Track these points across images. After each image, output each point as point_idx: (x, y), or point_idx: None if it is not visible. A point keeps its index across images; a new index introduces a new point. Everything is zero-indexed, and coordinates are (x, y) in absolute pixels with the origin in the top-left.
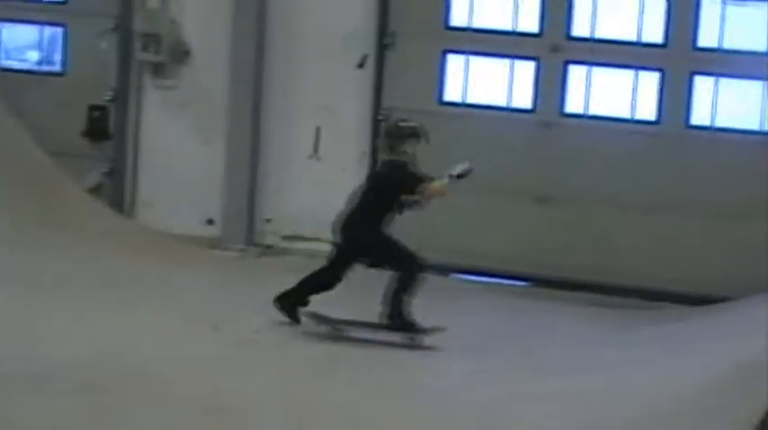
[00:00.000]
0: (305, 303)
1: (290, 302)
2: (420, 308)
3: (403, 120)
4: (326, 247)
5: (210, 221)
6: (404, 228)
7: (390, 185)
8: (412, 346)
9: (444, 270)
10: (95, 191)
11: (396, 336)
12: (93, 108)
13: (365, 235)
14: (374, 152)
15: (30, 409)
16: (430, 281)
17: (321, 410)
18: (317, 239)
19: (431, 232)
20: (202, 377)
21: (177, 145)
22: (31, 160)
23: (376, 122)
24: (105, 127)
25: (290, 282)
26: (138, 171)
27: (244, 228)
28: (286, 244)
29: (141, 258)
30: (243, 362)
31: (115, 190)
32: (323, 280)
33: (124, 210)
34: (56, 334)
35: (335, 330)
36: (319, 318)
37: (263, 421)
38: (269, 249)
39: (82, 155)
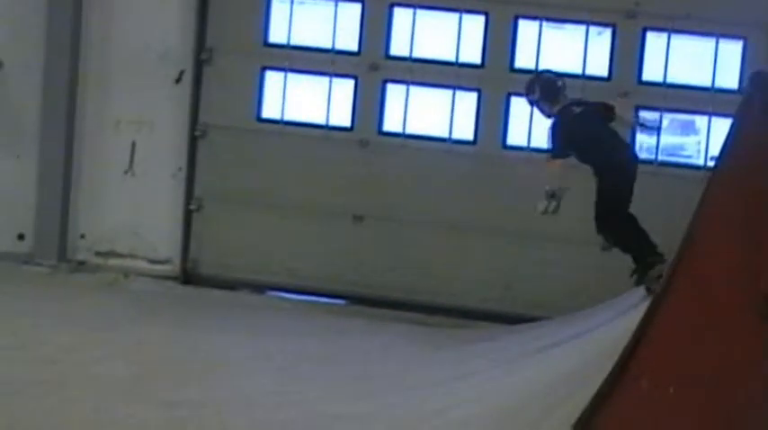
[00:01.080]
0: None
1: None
2: (232, 325)
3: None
4: (142, 264)
5: (22, 236)
6: (219, 245)
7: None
8: None
9: (260, 288)
10: None
11: None
12: None
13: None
14: (190, 167)
15: None
16: (244, 298)
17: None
18: (132, 256)
19: (246, 250)
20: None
21: None
22: None
23: (193, 138)
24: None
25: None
26: None
27: (56, 243)
28: (99, 260)
29: None
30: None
31: None
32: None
33: None
34: None
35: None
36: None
37: None
38: (81, 265)
39: None
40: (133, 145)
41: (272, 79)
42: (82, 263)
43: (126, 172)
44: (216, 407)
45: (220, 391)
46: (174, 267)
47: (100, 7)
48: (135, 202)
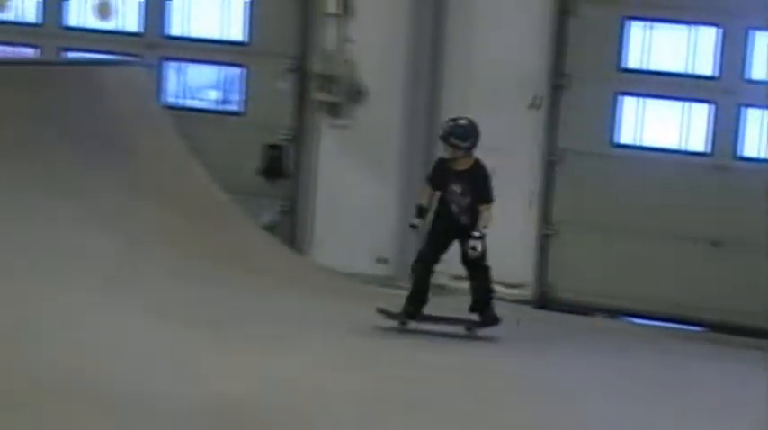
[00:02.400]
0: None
1: None
2: (586, 349)
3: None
4: (497, 288)
5: (382, 260)
6: (574, 270)
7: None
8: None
9: (614, 313)
10: (270, 228)
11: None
12: (269, 147)
13: None
14: (545, 192)
15: None
16: (599, 323)
17: None
18: None
19: (601, 274)
20: (351, 410)
21: (351, 184)
22: (208, 198)
23: (548, 163)
24: (281, 166)
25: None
26: (313, 209)
27: None
28: (457, 283)
29: (313, 296)
30: (403, 400)
31: (290, 228)
32: None
33: (297, 247)
34: (219, 369)
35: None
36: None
37: None
38: (440, 289)
39: (258, 193)
40: (489, 170)
41: (628, 104)
42: (440, 286)
43: None
44: None
45: (571, 416)
46: (528, 291)
47: (459, 36)
48: (491, 227)
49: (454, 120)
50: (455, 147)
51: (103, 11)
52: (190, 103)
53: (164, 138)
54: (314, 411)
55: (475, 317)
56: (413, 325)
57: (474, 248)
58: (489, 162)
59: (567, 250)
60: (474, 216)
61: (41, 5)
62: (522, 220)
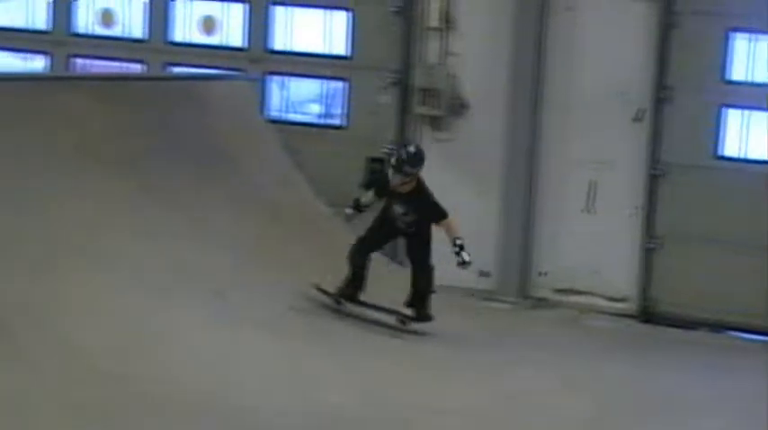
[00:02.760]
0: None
1: None
2: (690, 364)
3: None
4: (600, 301)
5: (485, 273)
6: (678, 284)
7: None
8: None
9: (719, 327)
10: None
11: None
12: (371, 160)
13: None
14: (648, 206)
15: None
16: (703, 338)
17: None
18: (590, 293)
19: (705, 288)
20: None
21: (453, 197)
22: (312, 211)
23: (651, 177)
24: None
25: (561, 334)
26: None
27: (517, 280)
28: (559, 297)
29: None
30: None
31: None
32: None
33: (399, 259)
34: (333, 382)
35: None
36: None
37: None
38: (541, 302)
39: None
40: (592, 183)
41: (732, 116)
42: (542, 299)
43: (584, 210)
44: None
45: None
46: (631, 305)
47: (561, 49)
48: (594, 241)
49: (404, 147)
50: (407, 174)
51: (208, 26)
52: (293, 117)
53: (268, 152)
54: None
55: (410, 312)
56: (348, 307)
57: (464, 262)
58: (592, 175)
59: (670, 264)
60: (420, 226)
61: (147, 21)
62: (625, 234)
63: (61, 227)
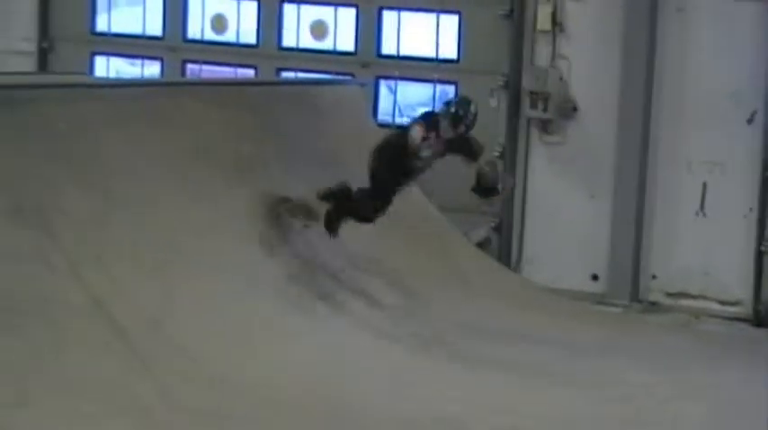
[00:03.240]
0: None
1: None
2: None
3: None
4: (713, 305)
5: (595, 277)
6: None
7: None
8: None
9: None
10: (483, 245)
11: None
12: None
13: None
14: (762, 208)
15: None
16: None
17: None
18: (703, 297)
19: None
20: None
21: (563, 200)
22: (423, 215)
23: (764, 179)
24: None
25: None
26: (525, 226)
27: (628, 283)
28: (671, 301)
29: (527, 314)
30: (623, 420)
31: (502, 244)
32: None
33: (510, 264)
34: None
35: None
36: None
37: None
38: (653, 306)
39: (471, 210)
40: (704, 185)
41: None
42: (653, 303)
43: (697, 213)
44: None
45: None
46: (745, 309)
47: (672, 51)
48: (706, 243)
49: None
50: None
51: (318, 31)
52: (403, 121)
53: None
54: None
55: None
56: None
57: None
58: (705, 177)
59: None
60: None
61: (258, 26)
62: (738, 237)
63: (176, 231)
